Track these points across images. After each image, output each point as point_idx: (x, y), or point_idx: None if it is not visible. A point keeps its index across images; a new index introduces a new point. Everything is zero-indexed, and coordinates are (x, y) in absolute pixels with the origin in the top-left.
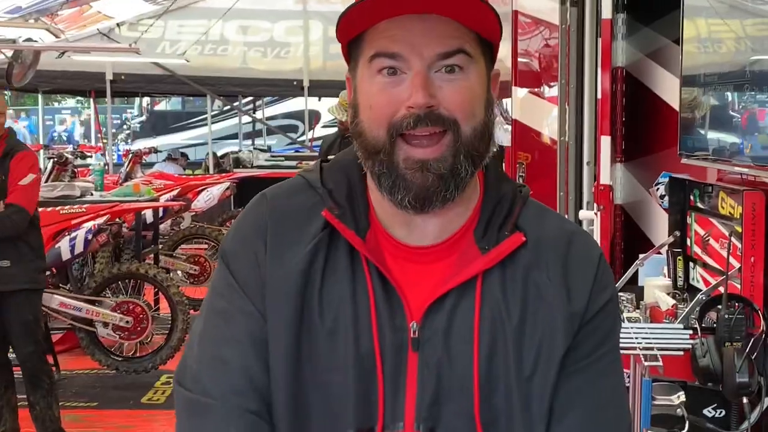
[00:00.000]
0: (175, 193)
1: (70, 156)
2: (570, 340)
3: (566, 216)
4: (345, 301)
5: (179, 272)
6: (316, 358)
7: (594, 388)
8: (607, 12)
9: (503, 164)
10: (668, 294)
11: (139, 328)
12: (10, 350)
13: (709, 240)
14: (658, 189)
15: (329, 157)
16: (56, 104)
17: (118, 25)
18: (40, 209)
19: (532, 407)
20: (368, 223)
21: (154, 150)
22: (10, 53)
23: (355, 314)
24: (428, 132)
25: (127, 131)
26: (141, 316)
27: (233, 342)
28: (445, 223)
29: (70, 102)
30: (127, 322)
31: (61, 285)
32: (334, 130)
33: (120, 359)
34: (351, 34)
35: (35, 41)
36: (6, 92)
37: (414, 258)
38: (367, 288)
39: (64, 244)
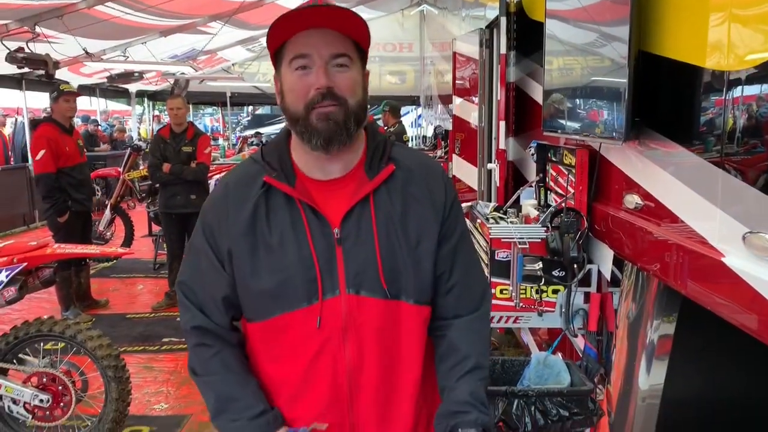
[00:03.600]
0: None
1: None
2: (440, 225)
3: (479, 166)
4: (287, 227)
5: None
6: (270, 264)
7: (463, 250)
8: (503, 50)
9: (448, 141)
10: (535, 208)
11: None
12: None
13: (558, 178)
14: (531, 150)
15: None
16: (201, 111)
17: (232, 65)
18: None
19: (421, 265)
20: (294, 174)
21: (258, 134)
22: (172, 81)
23: (295, 233)
24: (329, 104)
25: (240, 126)
26: None
27: (198, 271)
28: (345, 163)
29: (208, 110)
30: None
31: None
32: None
33: None
34: (276, 44)
35: (185, 74)
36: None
37: (328, 188)
38: (301, 216)
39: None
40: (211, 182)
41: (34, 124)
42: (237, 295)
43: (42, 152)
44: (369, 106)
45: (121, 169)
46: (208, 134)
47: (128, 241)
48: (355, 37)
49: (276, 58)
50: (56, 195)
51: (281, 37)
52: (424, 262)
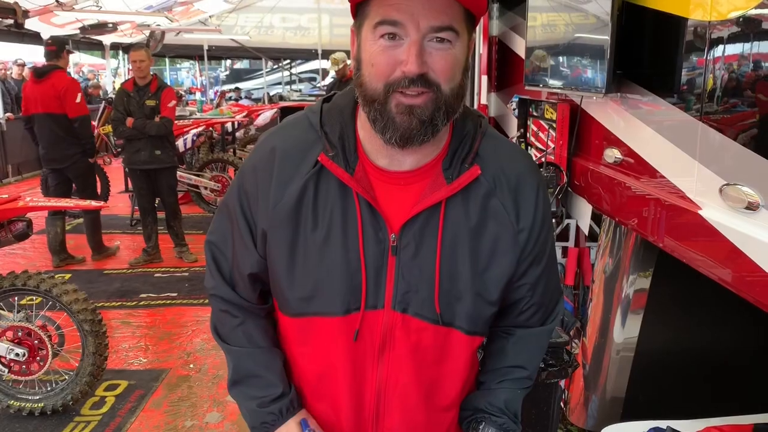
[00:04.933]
0: (244, 114)
1: (183, 93)
2: (521, 246)
3: None
4: (336, 221)
5: None
6: (309, 264)
7: (546, 275)
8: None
9: None
10: None
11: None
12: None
13: (539, 133)
14: (512, 105)
15: (331, 93)
16: (177, 64)
17: (209, 16)
18: None
19: (484, 294)
20: (357, 156)
21: (237, 89)
22: (147, 33)
23: (344, 231)
24: (417, 92)
25: (217, 80)
26: (227, 182)
27: (228, 241)
28: (420, 156)
29: (185, 63)
30: (217, 185)
31: (180, 165)
32: (332, 79)
33: (214, 207)
34: None
35: (160, 26)
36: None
37: (393, 181)
38: (355, 212)
39: (180, 142)
40: (188, 137)
41: (43, 71)
42: (267, 275)
43: (80, 95)
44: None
45: (95, 123)
46: (171, 86)
47: (104, 196)
48: (468, 4)
49: (357, 10)
50: (92, 138)
51: None
52: (488, 290)
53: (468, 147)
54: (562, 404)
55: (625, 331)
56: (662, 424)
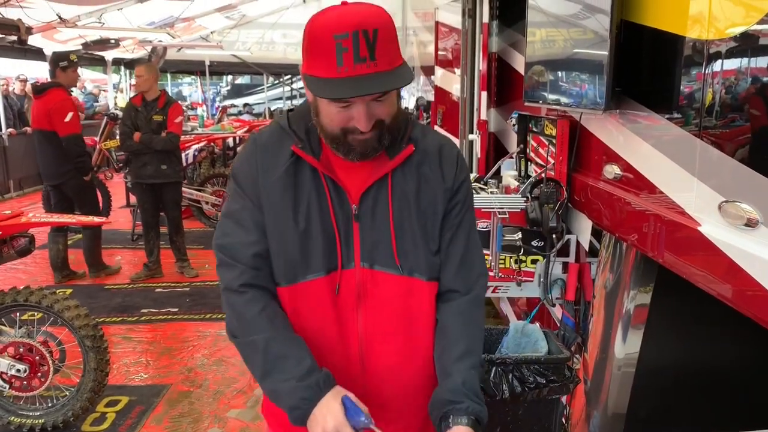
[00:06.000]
0: (245, 129)
1: (185, 108)
2: (446, 203)
3: (461, 137)
4: (313, 198)
5: None
6: (296, 231)
7: (465, 228)
8: (486, 19)
9: (429, 112)
10: (515, 179)
11: None
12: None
13: (538, 149)
14: (512, 121)
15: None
16: (179, 79)
17: (211, 32)
18: None
19: (430, 243)
20: (321, 147)
21: (248, 105)
22: (149, 48)
23: (319, 204)
24: (368, 132)
25: (219, 95)
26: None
27: (242, 227)
28: None
29: (187, 78)
30: (218, 200)
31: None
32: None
33: (215, 222)
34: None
35: (162, 42)
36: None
37: (350, 164)
38: (324, 189)
39: (182, 157)
40: (189, 152)
41: (42, 89)
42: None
43: (71, 114)
44: None
45: (97, 139)
46: (178, 102)
47: (106, 211)
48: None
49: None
50: (84, 156)
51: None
52: (433, 240)
53: (402, 132)
54: (563, 420)
55: (626, 346)
56: None
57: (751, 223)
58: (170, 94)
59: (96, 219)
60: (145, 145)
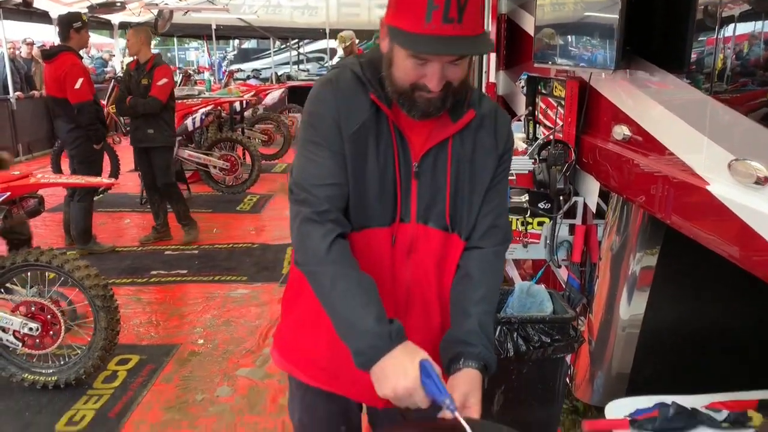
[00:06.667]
0: (252, 94)
1: (192, 72)
2: (495, 170)
3: None
4: (386, 150)
5: (256, 139)
6: (371, 177)
7: (501, 194)
8: None
9: None
10: (523, 141)
11: (236, 169)
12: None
13: (547, 111)
14: (521, 83)
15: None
16: (186, 44)
17: None
18: (177, 102)
19: (474, 207)
20: (391, 102)
21: (256, 70)
22: (155, 11)
23: (386, 159)
24: (436, 92)
25: (226, 60)
26: (236, 161)
27: (320, 162)
28: None
29: (193, 43)
30: (226, 164)
31: (188, 144)
32: (339, 58)
33: (223, 186)
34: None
35: (168, 4)
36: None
37: (414, 121)
38: (392, 142)
39: (189, 121)
40: (197, 116)
41: (51, 53)
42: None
43: (81, 80)
44: (359, 41)
45: (105, 102)
46: (167, 64)
47: (114, 175)
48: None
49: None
50: (96, 123)
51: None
52: (476, 204)
53: (464, 97)
54: (567, 380)
55: (631, 307)
56: (667, 399)
57: (760, 181)
58: (177, 58)
59: (105, 180)
60: (133, 109)
